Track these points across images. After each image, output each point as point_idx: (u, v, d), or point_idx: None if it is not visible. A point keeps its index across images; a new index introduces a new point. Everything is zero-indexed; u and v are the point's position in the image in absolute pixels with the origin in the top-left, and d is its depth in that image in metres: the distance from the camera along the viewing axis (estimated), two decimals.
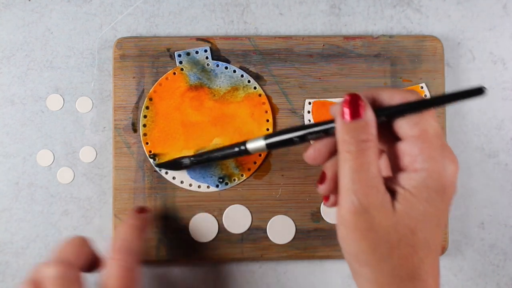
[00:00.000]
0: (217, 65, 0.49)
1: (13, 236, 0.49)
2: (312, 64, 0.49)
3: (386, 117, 0.35)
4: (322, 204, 0.49)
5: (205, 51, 0.49)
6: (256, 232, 0.48)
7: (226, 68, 0.49)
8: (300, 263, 0.50)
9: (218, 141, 0.48)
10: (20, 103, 0.49)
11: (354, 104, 0.34)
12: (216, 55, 0.49)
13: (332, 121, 0.36)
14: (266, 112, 0.49)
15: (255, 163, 0.48)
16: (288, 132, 0.38)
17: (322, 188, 0.37)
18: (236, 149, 0.42)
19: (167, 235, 0.48)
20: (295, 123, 0.49)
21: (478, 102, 0.51)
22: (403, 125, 0.34)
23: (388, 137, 0.36)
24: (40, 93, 0.49)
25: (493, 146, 0.51)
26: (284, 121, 0.49)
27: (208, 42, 0.49)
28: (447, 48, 0.51)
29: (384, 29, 0.51)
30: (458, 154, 0.51)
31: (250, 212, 0.48)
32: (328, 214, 0.48)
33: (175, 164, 0.47)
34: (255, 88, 0.49)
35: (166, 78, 0.48)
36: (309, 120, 0.49)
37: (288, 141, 0.38)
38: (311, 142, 0.38)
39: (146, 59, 0.48)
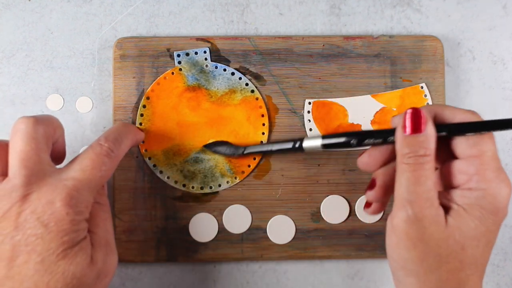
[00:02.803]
0: (216, 67, 0.49)
1: None
2: (312, 64, 0.49)
3: (446, 133, 0.36)
4: (322, 204, 0.49)
5: (205, 52, 0.49)
6: (256, 232, 0.48)
7: (225, 70, 0.49)
8: (300, 263, 0.50)
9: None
10: (20, 103, 0.49)
11: (415, 118, 0.35)
12: (216, 55, 0.49)
13: (392, 130, 0.37)
14: (262, 116, 0.49)
15: (249, 166, 0.48)
16: (346, 135, 0.39)
17: (371, 195, 0.38)
18: (290, 145, 0.44)
19: (167, 235, 0.48)
20: (295, 123, 0.49)
21: (478, 102, 0.51)
22: (462, 144, 0.35)
23: (443, 153, 0.37)
24: (40, 93, 0.49)
25: None
26: (284, 121, 0.49)
27: (208, 42, 0.49)
28: (447, 48, 0.51)
29: (384, 29, 0.51)
30: None
31: (250, 212, 0.48)
32: (328, 214, 0.49)
33: (224, 151, 0.47)
34: (252, 91, 0.49)
35: (164, 78, 0.48)
36: (309, 120, 0.49)
37: (345, 144, 0.39)
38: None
39: (146, 59, 0.48)
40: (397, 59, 0.50)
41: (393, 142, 0.37)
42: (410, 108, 0.35)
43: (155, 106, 0.48)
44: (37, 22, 0.50)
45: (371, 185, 0.38)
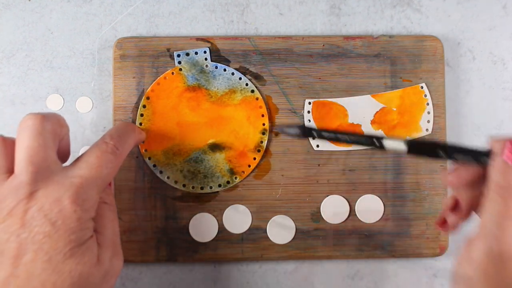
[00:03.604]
0: (216, 67, 0.49)
1: None
2: (312, 64, 0.49)
3: None
4: (322, 204, 0.49)
5: (205, 52, 0.49)
6: (256, 232, 0.48)
7: (225, 70, 0.49)
8: (300, 263, 0.50)
9: (213, 142, 0.48)
10: (20, 103, 0.49)
11: None
12: (216, 55, 0.49)
13: (487, 152, 0.34)
14: (263, 116, 0.49)
15: (249, 166, 0.48)
16: (436, 145, 0.36)
17: (453, 217, 0.36)
18: (375, 141, 0.38)
19: (167, 235, 0.48)
20: (295, 123, 0.49)
21: (478, 102, 0.51)
22: None
23: None
24: (40, 93, 0.49)
25: None
26: (284, 121, 0.49)
27: (208, 42, 0.49)
28: (447, 48, 0.51)
29: (384, 29, 0.51)
30: None
31: (250, 212, 0.48)
32: (328, 214, 0.49)
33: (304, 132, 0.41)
34: (252, 91, 0.49)
35: (165, 78, 0.48)
36: (309, 120, 0.49)
37: (432, 152, 0.36)
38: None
39: (146, 59, 0.48)
40: (397, 59, 0.50)
41: (485, 164, 0.34)
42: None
43: (155, 106, 0.48)
44: (37, 22, 0.50)
45: (454, 206, 0.36)
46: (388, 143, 0.37)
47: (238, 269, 0.49)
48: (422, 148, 0.36)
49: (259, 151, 0.48)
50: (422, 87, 0.49)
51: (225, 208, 0.48)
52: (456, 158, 0.35)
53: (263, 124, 0.48)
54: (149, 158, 0.48)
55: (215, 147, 0.48)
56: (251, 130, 0.48)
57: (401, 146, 0.36)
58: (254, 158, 0.48)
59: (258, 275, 0.50)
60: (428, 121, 0.49)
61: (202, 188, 0.48)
